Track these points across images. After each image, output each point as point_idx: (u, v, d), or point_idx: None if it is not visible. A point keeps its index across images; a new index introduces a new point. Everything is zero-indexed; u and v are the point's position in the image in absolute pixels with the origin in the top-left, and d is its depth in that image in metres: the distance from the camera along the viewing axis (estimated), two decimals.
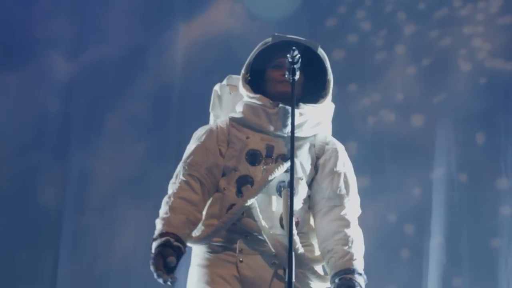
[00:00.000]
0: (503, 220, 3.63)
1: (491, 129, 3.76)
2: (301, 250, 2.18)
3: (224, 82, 2.50)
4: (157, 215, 4.01)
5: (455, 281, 3.59)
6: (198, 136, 2.36)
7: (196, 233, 2.24)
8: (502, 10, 3.88)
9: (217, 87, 2.50)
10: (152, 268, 2.06)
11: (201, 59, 4.11)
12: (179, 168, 2.31)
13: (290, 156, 2.10)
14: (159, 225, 2.18)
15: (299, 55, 2.14)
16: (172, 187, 2.29)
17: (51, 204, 3.99)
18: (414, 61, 3.90)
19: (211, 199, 2.27)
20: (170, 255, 2.06)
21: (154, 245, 2.11)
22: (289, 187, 2.10)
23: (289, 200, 2.05)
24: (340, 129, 2.58)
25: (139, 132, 4.07)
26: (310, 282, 2.22)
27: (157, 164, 4.01)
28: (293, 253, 2.10)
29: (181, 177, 2.26)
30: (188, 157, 2.31)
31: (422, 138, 3.79)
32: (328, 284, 2.22)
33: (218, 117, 2.50)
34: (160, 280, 2.06)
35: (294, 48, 2.13)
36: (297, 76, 2.16)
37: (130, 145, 4.06)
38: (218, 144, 2.31)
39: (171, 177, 3.91)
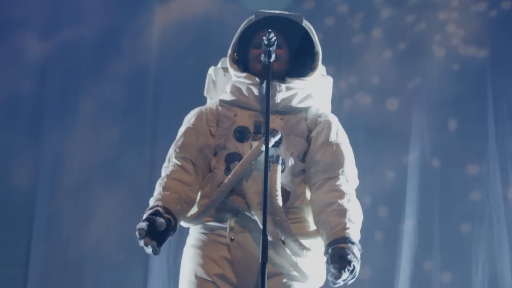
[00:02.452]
0: (473, 206, 3.69)
1: (463, 116, 3.80)
2: (286, 224, 2.16)
3: (219, 65, 2.49)
4: (131, 199, 4.02)
5: (426, 264, 3.64)
6: (188, 119, 2.38)
7: (189, 213, 2.25)
8: None
9: (211, 71, 2.50)
10: (136, 232, 2.05)
11: (177, 42, 4.08)
12: (171, 151, 2.33)
13: (265, 134, 2.10)
14: (151, 202, 2.20)
15: (274, 37, 2.14)
16: (165, 171, 2.31)
17: (24, 186, 3.95)
18: (390, 45, 3.92)
19: (204, 179, 2.28)
20: (160, 220, 2.07)
21: (144, 216, 2.12)
22: (271, 162, 2.13)
23: (263, 178, 2.05)
24: (330, 107, 2.56)
25: (114, 115, 4.04)
26: (295, 257, 2.19)
27: (131, 147, 3.98)
28: (280, 228, 2.14)
29: (174, 160, 2.29)
30: (179, 139, 2.33)
31: (397, 122, 3.82)
32: (316, 258, 2.22)
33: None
34: (141, 243, 2.05)
35: (270, 30, 2.14)
36: (272, 58, 2.16)
37: (104, 128, 4.03)
38: (208, 125, 2.33)
39: (145, 160, 3.95)
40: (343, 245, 2.10)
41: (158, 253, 2.07)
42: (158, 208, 2.12)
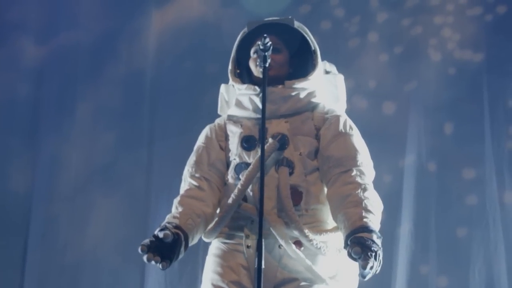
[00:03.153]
0: (470, 209, 3.69)
1: (459, 119, 3.81)
2: (299, 225, 2.15)
3: (230, 82, 2.50)
4: (128, 203, 4.02)
5: (423, 268, 3.64)
6: (199, 138, 2.44)
7: (209, 227, 2.28)
8: (471, 2, 3.93)
9: (222, 90, 2.52)
10: (139, 248, 2.06)
11: (174, 46, 4.08)
12: (185, 171, 2.38)
13: (261, 139, 2.13)
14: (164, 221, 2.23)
15: (270, 42, 2.16)
16: (181, 191, 2.36)
17: (20, 190, 3.95)
18: (386, 48, 3.93)
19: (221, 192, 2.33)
20: (165, 232, 2.08)
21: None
22: (279, 165, 2.16)
23: (259, 183, 2.06)
24: (344, 105, 2.57)
25: (110, 119, 4.05)
26: (310, 258, 2.18)
27: (128, 151, 3.99)
28: (290, 230, 2.15)
29: (188, 179, 2.34)
30: (191, 159, 2.39)
31: (393, 126, 3.82)
32: (334, 257, 2.21)
33: None
34: (144, 258, 2.06)
35: (265, 35, 2.15)
36: (268, 63, 2.17)
37: (101, 132, 4.03)
38: (218, 140, 2.38)
39: (142, 165, 3.95)
40: (361, 234, 2.05)
41: (165, 268, 2.09)
42: (167, 224, 2.16)
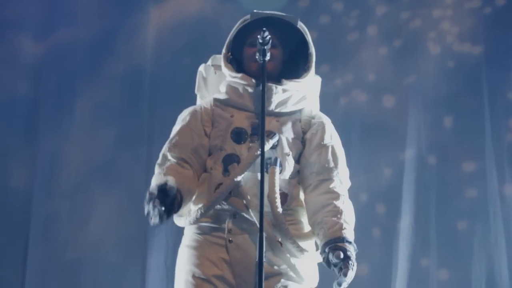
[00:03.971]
0: (470, 202, 3.69)
1: (459, 112, 3.81)
2: (285, 226, 2.18)
3: (209, 62, 2.49)
4: (128, 200, 4.01)
5: (424, 261, 3.65)
6: (183, 117, 2.37)
7: (184, 214, 2.24)
8: None
9: (201, 68, 2.49)
10: (147, 194, 2.02)
11: (172, 42, 4.07)
12: (165, 149, 2.32)
13: (261, 136, 2.11)
14: (154, 182, 2.17)
15: (269, 36, 2.14)
16: (159, 167, 2.29)
17: (21, 187, 3.94)
18: (386, 42, 3.93)
19: (199, 179, 2.27)
20: (170, 184, 2.04)
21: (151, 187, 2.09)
22: (269, 165, 2.15)
23: (259, 182, 2.04)
24: (318, 107, 2.58)
25: (110, 116, 4.04)
26: (293, 258, 2.21)
27: (128, 148, 3.98)
28: (278, 230, 2.16)
29: (170, 157, 2.28)
30: (173, 138, 2.32)
31: (393, 119, 3.82)
32: (311, 259, 2.24)
33: (205, 98, 2.50)
34: (149, 206, 2.01)
35: (264, 29, 2.14)
36: (267, 57, 2.16)
37: (100, 129, 4.03)
38: (203, 125, 2.32)
39: (142, 162, 3.94)
40: (341, 244, 2.12)
41: (163, 221, 2.03)
42: (167, 179, 2.09)
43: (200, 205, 2.23)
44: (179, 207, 2.13)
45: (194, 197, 2.27)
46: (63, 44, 4.12)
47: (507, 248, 3.59)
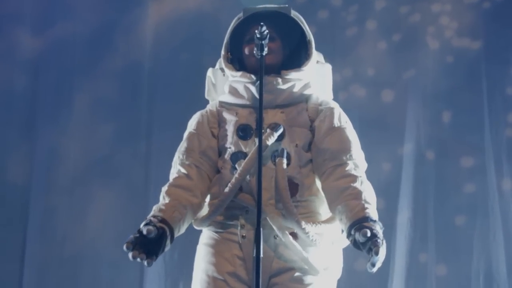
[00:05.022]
0: (468, 198, 3.69)
1: (458, 108, 3.81)
2: (297, 217, 2.16)
3: (217, 66, 2.49)
4: (127, 195, 4.01)
5: (422, 256, 3.65)
6: (190, 124, 2.41)
7: (200, 215, 2.28)
8: None
9: (209, 73, 2.49)
10: (124, 246, 2.04)
11: (171, 38, 4.07)
12: (175, 157, 2.36)
13: (259, 128, 2.11)
14: (151, 212, 2.22)
15: (266, 30, 2.14)
16: (170, 177, 2.34)
17: (18, 182, 3.94)
18: (384, 36, 3.92)
19: (212, 180, 2.30)
20: (148, 228, 2.06)
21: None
22: (276, 157, 2.15)
23: (257, 174, 2.04)
24: (331, 94, 2.56)
25: (108, 111, 4.04)
26: (306, 250, 2.18)
27: (126, 144, 3.98)
28: (290, 222, 2.15)
29: (177, 166, 2.32)
30: (182, 145, 2.36)
31: (392, 114, 3.82)
32: (330, 247, 2.22)
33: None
34: (129, 256, 2.04)
35: (262, 24, 2.14)
36: (265, 52, 2.16)
37: (99, 124, 4.03)
38: (210, 127, 2.35)
39: (140, 157, 3.94)
40: (366, 223, 2.06)
41: (150, 264, 2.07)
42: (152, 218, 2.14)
43: (211, 205, 2.26)
44: (172, 238, 2.15)
45: (208, 199, 2.30)
46: (61, 39, 4.11)
47: (505, 243, 3.60)
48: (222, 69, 2.43)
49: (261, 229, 2.01)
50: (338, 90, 3.87)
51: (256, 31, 2.15)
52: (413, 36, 3.90)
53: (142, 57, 4.07)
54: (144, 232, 2.06)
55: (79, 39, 4.10)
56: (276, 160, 2.21)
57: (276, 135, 2.23)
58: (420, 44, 3.89)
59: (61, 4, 4.16)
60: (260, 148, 2.08)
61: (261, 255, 1.96)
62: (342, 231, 2.21)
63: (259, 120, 2.11)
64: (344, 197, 2.16)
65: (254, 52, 2.19)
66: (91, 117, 4.03)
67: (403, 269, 3.61)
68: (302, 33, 2.38)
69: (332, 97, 2.49)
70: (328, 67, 2.48)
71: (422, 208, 3.68)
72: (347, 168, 2.22)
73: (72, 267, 3.83)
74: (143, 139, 3.97)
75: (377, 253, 1.98)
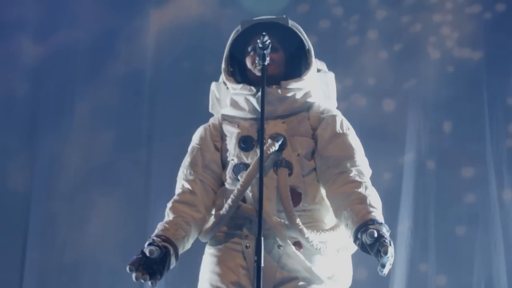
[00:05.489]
0: (469, 208, 3.69)
1: (458, 117, 3.81)
2: (299, 227, 2.16)
3: (220, 79, 2.49)
4: (127, 203, 4.01)
5: (422, 266, 3.65)
6: (193, 139, 2.42)
7: (205, 227, 2.29)
8: (470, 0, 3.93)
9: (213, 87, 2.49)
10: (127, 268, 2.08)
11: (172, 46, 4.08)
12: (179, 173, 2.37)
13: (260, 141, 2.12)
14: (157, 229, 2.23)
15: (269, 40, 2.15)
16: (176, 192, 2.35)
17: (19, 189, 3.95)
18: (386, 46, 3.93)
19: (217, 194, 2.32)
20: (150, 248, 2.09)
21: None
22: (278, 166, 2.17)
23: (258, 185, 2.05)
24: (335, 102, 2.57)
25: (109, 119, 4.04)
26: (310, 259, 2.18)
27: (127, 152, 3.99)
28: (292, 230, 2.15)
29: (181, 181, 2.34)
30: (185, 160, 2.38)
31: (393, 124, 3.83)
32: (335, 256, 2.21)
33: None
34: (133, 277, 2.08)
35: (264, 33, 2.14)
36: (267, 62, 2.17)
37: (100, 132, 4.03)
38: (213, 140, 2.37)
39: (141, 165, 3.94)
40: (372, 226, 2.05)
41: (154, 285, 2.10)
42: (155, 238, 2.16)
43: (215, 217, 2.27)
44: (176, 256, 2.18)
45: (214, 212, 2.31)
46: (63, 46, 4.13)
47: (505, 254, 3.59)
48: (225, 83, 2.44)
49: (263, 239, 2.01)
50: (339, 99, 3.86)
51: (258, 40, 2.16)
52: (414, 46, 3.91)
53: (143, 65, 4.08)
54: (147, 253, 2.09)
55: (81, 46, 4.12)
56: (278, 170, 2.22)
57: (277, 145, 2.23)
58: (421, 54, 3.90)
59: (64, 12, 4.17)
60: (262, 158, 2.08)
61: (262, 264, 1.96)
62: (349, 236, 2.19)
63: (261, 131, 2.12)
64: (349, 202, 2.16)
65: (256, 62, 2.20)
66: (92, 124, 4.04)
67: (403, 279, 3.60)
68: (301, 42, 2.38)
69: (336, 105, 2.49)
70: (331, 75, 2.49)
71: (422, 218, 3.68)
72: (351, 175, 2.22)
73: (72, 273, 3.82)
74: (143, 147, 3.98)
75: (386, 253, 1.97)
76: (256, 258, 1.95)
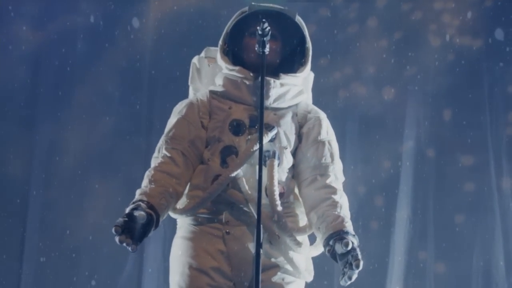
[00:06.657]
0: (468, 196, 3.70)
1: (458, 106, 3.80)
2: (283, 219, 2.19)
3: (202, 54, 2.48)
4: (126, 190, 4.00)
5: (421, 254, 3.66)
6: (179, 110, 2.36)
7: (180, 205, 2.24)
8: None
9: (195, 60, 2.48)
10: (113, 229, 2.02)
11: (172, 33, 4.06)
12: (161, 142, 2.31)
13: (259, 129, 2.11)
14: (136, 194, 2.18)
15: (269, 27, 2.14)
16: (154, 161, 2.29)
17: (18, 176, 3.94)
18: (386, 34, 3.92)
19: (195, 171, 2.27)
20: (140, 213, 2.04)
21: (126, 210, 2.09)
22: (268, 157, 2.17)
23: (257, 175, 2.05)
24: (311, 102, 2.58)
25: (108, 106, 4.03)
26: (290, 251, 2.23)
27: (126, 138, 3.98)
28: (276, 223, 2.17)
29: (164, 151, 2.27)
30: (170, 130, 2.31)
31: (393, 112, 3.82)
32: (307, 253, 2.25)
33: (198, 90, 2.48)
34: (116, 240, 2.02)
35: (264, 20, 2.13)
36: (267, 49, 2.16)
37: (99, 119, 4.03)
38: (200, 117, 2.31)
39: (140, 152, 3.94)
40: (346, 236, 2.12)
41: (135, 251, 2.05)
42: (140, 203, 2.10)
43: (195, 197, 2.23)
44: (156, 225, 2.12)
45: (187, 189, 2.26)
46: (62, 33, 4.10)
47: (504, 242, 3.60)
48: (208, 58, 2.41)
49: (248, 226, 2.06)
50: (338, 88, 3.88)
51: (258, 27, 2.14)
52: (415, 34, 3.90)
53: (143, 52, 4.07)
54: (137, 215, 2.03)
55: (80, 33, 4.10)
56: (268, 161, 2.21)
57: (270, 135, 2.23)
58: (421, 42, 3.89)
59: None
60: (261, 148, 2.07)
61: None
62: (320, 239, 2.23)
63: (260, 120, 2.10)
64: (324, 207, 2.21)
65: (256, 48, 2.18)
66: (91, 111, 4.03)
67: (402, 267, 3.61)
68: (302, 39, 2.37)
69: (311, 102, 2.50)
70: (311, 75, 2.49)
71: (421, 206, 3.69)
72: (328, 180, 2.26)
73: (71, 260, 3.83)
74: (143, 134, 3.97)
75: (358, 266, 2.03)
76: (255, 248, 1.95)
